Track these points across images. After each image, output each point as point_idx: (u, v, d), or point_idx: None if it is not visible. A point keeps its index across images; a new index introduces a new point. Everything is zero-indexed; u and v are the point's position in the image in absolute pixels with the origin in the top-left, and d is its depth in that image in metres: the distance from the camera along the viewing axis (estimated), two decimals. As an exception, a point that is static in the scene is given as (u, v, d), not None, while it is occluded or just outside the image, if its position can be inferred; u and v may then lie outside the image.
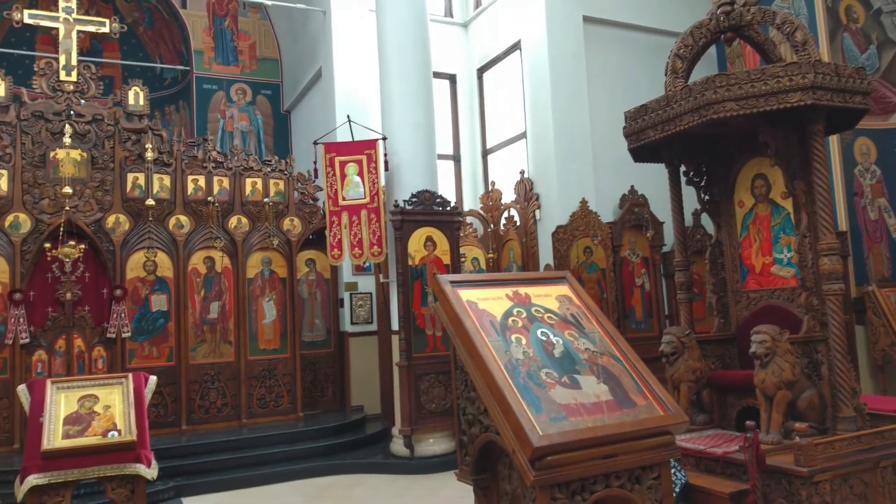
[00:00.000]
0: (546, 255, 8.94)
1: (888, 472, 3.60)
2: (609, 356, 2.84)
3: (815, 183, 3.95)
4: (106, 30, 8.11)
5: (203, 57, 12.53)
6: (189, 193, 8.22)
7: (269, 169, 8.70)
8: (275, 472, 6.98)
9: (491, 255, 9.29)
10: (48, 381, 4.57)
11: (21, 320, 7.13)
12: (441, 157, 9.32)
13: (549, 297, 3.04)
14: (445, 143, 10.76)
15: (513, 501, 2.74)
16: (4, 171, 7.35)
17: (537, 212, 9.27)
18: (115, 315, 7.57)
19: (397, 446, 7.34)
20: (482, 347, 2.63)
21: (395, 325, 7.59)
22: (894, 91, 8.89)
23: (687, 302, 4.69)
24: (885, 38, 9.06)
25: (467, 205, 10.74)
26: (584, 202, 8.77)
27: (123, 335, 7.61)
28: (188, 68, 12.60)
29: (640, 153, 4.59)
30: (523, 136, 9.81)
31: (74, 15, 7.87)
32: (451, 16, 11.36)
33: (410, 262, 7.41)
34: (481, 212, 9.86)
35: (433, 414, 7.27)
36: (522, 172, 9.59)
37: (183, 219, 8.16)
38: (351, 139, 7.98)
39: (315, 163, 7.94)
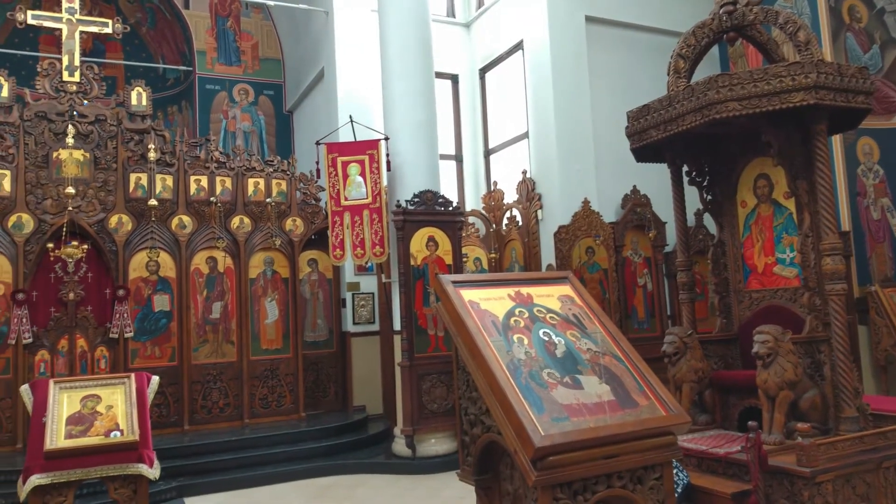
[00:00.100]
0: (548, 255, 8.94)
1: (891, 472, 3.59)
2: (611, 356, 2.83)
3: (817, 183, 3.95)
4: (109, 30, 8.13)
5: (206, 57, 12.55)
6: (192, 194, 8.23)
7: (271, 169, 8.71)
8: (277, 473, 6.99)
9: (493, 255, 9.28)
10: (51, 382, 4.59)
11: (24, 320, 7.15)
12: (443, 157, 9.32)
13: (551, 297, 3.03)
14: (447, 143, 10.76)
15: (515, 502, 2.74)
16: (7, 172, 7.37)
17: (539, 212, 9.26)
18: (117, 315, 7.58)
19: (399, 446, 7.34)
20: (484, 347, 2.63)
21: (397, 325, 7.59)
22: (897, 91, 8.87)
23: (689, 302, 4.69)
24: (888, 38, 9.04)
25: (469, 205, 10.74)
26: (586, 202, 8.77)
27: (126, 335, 7.62)
28: (191, 69, 12.62)
29: (643, 153, 4.58)
30: (525, 135, 9.81)
31: (77, 16, 7.88)
32: (454, 16, 11.36)
33: (412, 262, 7.41)
34: (483, 212, 9.86)
35: (435, 414, 7.27)
36: (524, 172, 9.59)
37: (185, 219, 8.17)
38: (353, 139, 7.99)
39: (317, 163, 7.95)
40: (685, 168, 4.74)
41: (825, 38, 8.52)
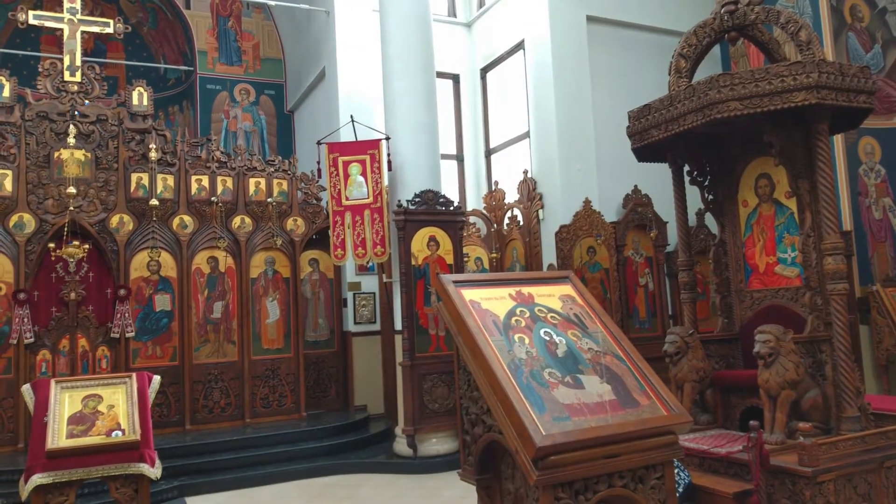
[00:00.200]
0: (549, 254, 8.94)
1: (892, 472, 3.59)
2: (612, 356, 2.83)
3: (819, 182, 3.94)
4: (110, 30, 8.13)
5: (207, 57, 12.56)
6: (193, 193, 8.24)
7: (272, 169, 8.71)
8: (278, 472, 7.00)
9: (494, 255, 9.29)
10: (52, 381, 4.59)
11: (25, 320, 7.15)
12: (444, 156, 9.32)
13: (552, 296, 3.03)
14: (449, 142, 10.77)
15: (516, 501, 2.74)
16: (9, 172, 7.38)
17: (540, 211, 9.26)
18: (118, 315, 7.59)
19: (400, 446, 7.35)
20: (485, 347, 2.63)
21: (398, 325, 7.60)
22: (899, 90, 8.86)
23: (690, 302, 4.69)
24: (889, 38, 9.03)
25: (470, 205, 10.74)
26: (587, 202, 8.77)
27: (127, 335, 7.63)
28: (192, 68, 12.62)
29: (644, 153, 4.58)
30: (526, 135, 9.81)
31: (79, 16, 7.89)
32: (455, 16, 11.36)
33: (413, 262, 7.41)
34: (484, 211, 9.87)
35: (436, 414, 7.27)
36: (526, 172, 9.59)
37: (186, 219, 8.17)
38: (354, 139, 7.99)
39: (318, 163, 7.95)
40: (686, 168, 4.74)
41: (827, 37, 8.51)
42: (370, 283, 9.43)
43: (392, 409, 8.52)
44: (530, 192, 9.40)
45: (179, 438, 7.47)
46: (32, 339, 7.22)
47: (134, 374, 4.79)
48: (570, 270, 3.35)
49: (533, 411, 2.43)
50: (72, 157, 7.62)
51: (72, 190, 7.21)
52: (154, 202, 7.77)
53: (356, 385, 9.14)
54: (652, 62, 9.42)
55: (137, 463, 4.35)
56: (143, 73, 12.59)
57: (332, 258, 7.82)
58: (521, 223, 9.51)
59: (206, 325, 8.18)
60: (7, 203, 7.34)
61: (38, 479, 4.14)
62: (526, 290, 3.01)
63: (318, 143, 7.99)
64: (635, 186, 9.18)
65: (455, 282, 2.94)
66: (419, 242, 7.48)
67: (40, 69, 7.72)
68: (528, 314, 2.88)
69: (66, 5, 7.83)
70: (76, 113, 7.66)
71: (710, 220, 5.18)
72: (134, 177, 7.95)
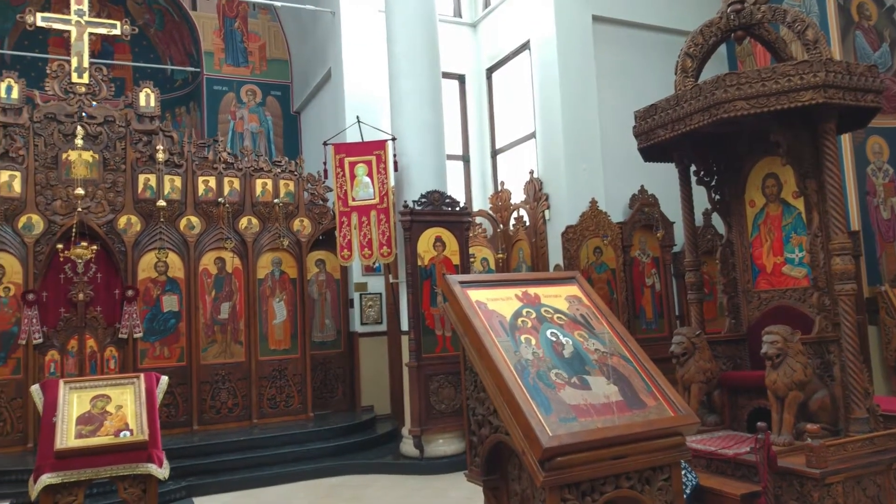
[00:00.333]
0: (556, 255, 8.92)
1: (901, 473, 3.57)
2: (619, 357, 2.83)
3: (826, 182, 3.93)
4: (117, 32, 8.17)
5: (213, 58, 12.60)
6: (200, 194, 8.26)
7: (279, 170, 8.74)
8: (285, 473, 7.01)
9: (500, 256, 9.28)
10: (61, 382, 4.61)
11: (34, 321, 7.19)
12: (450, 157, 9.32)
13: (558, 297, 3.03)
14: (454, 143, 10.77)
15: (522, 502, 2.74)
16: (17, 173, 7.42)
17: (547, 212, 9.25)
18: (126, 315, 7.62)
19: (407, 447, 7.35)
20: (491, 348, 2.63)
21: (404, 326, 7.60)
22: (907, 89, 8.81)
23: (697, 302, 4.67)
24: (897, 36, 8.98)
25: (476, 205, 10.74)
26: (593, 202, 8.75)
27: (135, 335, 7.66)
28: (198, 70, 12.67)
29: (650, 153, 4.57)
30: (532, 135, 9.80)
31: (86, 18, 7.94)
32: (460, 16, 11.36)
33: (420, 263, 7.42)
34: (490, 212, 9.86)
35: (443, 414, 7.27)
36: (532, 172, 9.58)
37: (194, 220, 8.20)
38: (360, 140, 8.00)
39: (325, 163, 7.96)
40: (693, 167, 4.73)
41: (834, 36, 8.48)
42: (376, 284, 9.44)
43: (399, 409, 8.53)
44: (536, 192, 9.39)
45: (187, 439, 7.49)
46: (41, 340, 7.26)
47: (142, 375, 4.81)
48: (576, 271, 3.34)
49: (539, 412, 2.43)
50: (80, 158, 7.66)
51: (80, 191, 7.25)
52: (161, 203, 7.81)
53: (363, 386, 9.15)
54: (658, 62, 9.39)
55: (145, 463, 4.37)
56: (150, 75, 12.65)
57: (339, 259, 7.83)
58: (528, 224, 9.50)
59: (214, 326, 8.21)
60: (16, 204, 7.38)
61: (47, 478, 4.17)
62: (532, 290, 3.01)
63: (325, 143, 8.01)
64: (642, 186, 9.15)
65: (461, 282, 2.94)
66: (425, 243, 7.48)
67: (48, 71, 7.76)
68: (534, 315, 2.88)
69: (74, 7, 7.88)
70: (84, 114, 7.70)
71: (717, 220, 5.19)
72: (141, 178, 7.98)
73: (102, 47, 12.66)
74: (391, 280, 8.71)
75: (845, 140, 8.25)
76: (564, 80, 9.13)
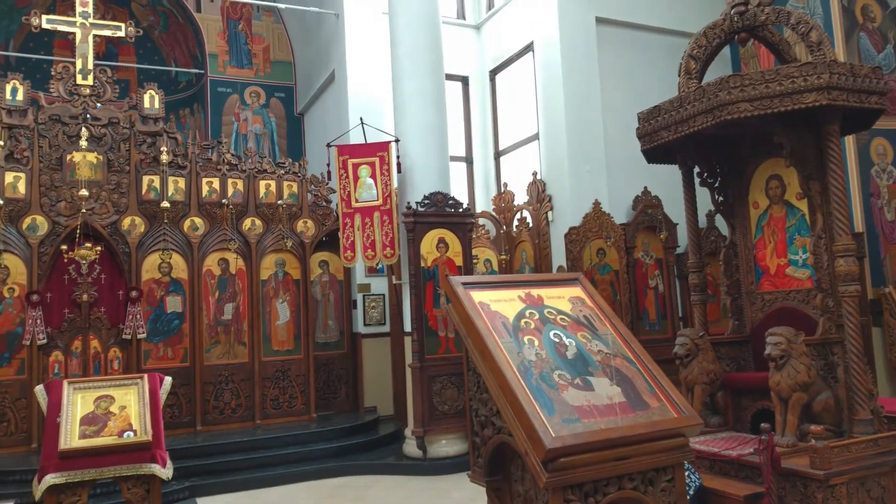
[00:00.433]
0: (559, 256, 8.92)
1: (905, 475, 3.56)
2: (622, 358, 2.83)
3: (830, 184, 3.92)
4: (122, 34, 8.20)
5: (217, 60, 12.63)
6: (203, 196, 8.28)
7: (282, 171, 8.75)
8: (288, 473, 7.02)
9: (503, 257, 9.28)
10: (65, 382, 4.63)
11: (38, 321, 7.22)
12: (453, 158, 9.33)
13: (561, 298, 3.03)
14: (458, 144, 10.78)
15: (525, 503, 2.74)
16: (22, 174, 7.45)
17: (550, 213, 9.25)
18: (130, 316, 7.64)
19: (410, 447, 7.35)
20: (494, 349, 2.63)
21: (407, 327, 7.61)
22: (911, 91, 8.79)
23: (701, 304, 4.67)
24: (901, 38, 8.96)
25: (480, 206, 10.74)
26: (596, 203, 8.75)
27: (139, 336, 7.68)
28: (202, 71, 12.70)
29: (654, 154, 4.57)
30: (536, 137, 9.80)
31: (91, 20, 7.97)
32: (464, 18, 11.37)
33: (423, 264, 7.42)
34: (494, 213, 9.86)
35: (446, 415, 7.27)
36: (535, 174, 9.58)
37: (197, 221, 8.22)
38: (364, 141, 8.01)
39: (328, 165, 7.97)
40: (696, 169, 4.73)
41: (838, 38, 8.46)
42: (380, 285, 9.45)
43: (402, 410, 8.53)
44: (539, 193, 9.39)
45: (190, 439, 7.51)
46: (45, 341, 7.28)
47: (145, 376, 4.82)
48: (579, 272, 3.34)
49: (542, 413, 2.43)
50: (84, 159, 7.69)
51: (84, 192, 7.27)
52: (165, 204, 7.83)
53: (366, 387, 9.15)
54: (661, 63, 9.39)
55: (149, 463, 4.38)
56: (155, 77, 12.68)
57: (342, 260, 7.84)
58: (531, 225, 9.50)
59: (217, 327, 8.22)
60: (20, 205, 7.41)
61: (51, 479, 4.18)
62: (535, 292, 3.01)
63: (328, 145, 8.02)
64: (645, 188, 9.15)
65: (464, 284, 2.95)
66: (428, 244, 7.49)
67: (53, 73, 7.80)
68: (537, 316, 2.88)
69: (79, 9, 7.91)
70: (88, 116, 7.73)
71: (720, 221, 5.19)
72: (145, 179, 8.01)
73: (107, 49, 12.69)
74: (394, 281, 8.72)
75: (849, 142, 8.23)
76: (568, 82, 9.13)
